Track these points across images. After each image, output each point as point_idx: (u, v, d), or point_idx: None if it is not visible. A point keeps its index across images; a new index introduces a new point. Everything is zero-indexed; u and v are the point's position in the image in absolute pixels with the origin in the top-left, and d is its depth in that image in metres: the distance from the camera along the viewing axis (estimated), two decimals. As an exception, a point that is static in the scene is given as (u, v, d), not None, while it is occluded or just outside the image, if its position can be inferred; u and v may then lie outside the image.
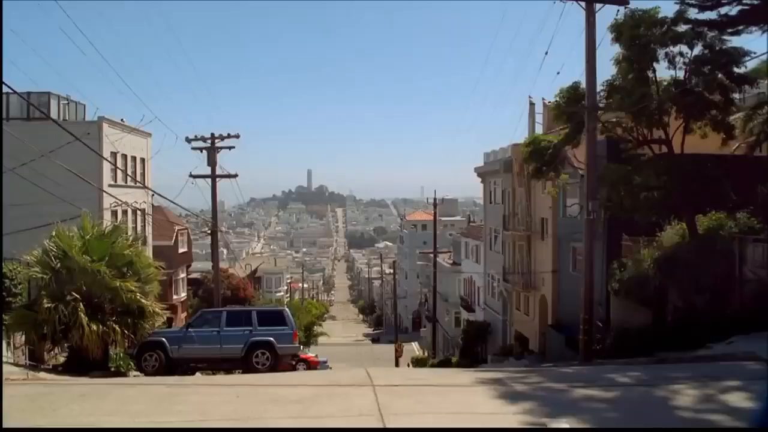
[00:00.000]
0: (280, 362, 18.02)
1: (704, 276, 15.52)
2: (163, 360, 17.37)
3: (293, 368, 21.08)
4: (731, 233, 16.40)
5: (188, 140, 27.46)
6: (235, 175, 28.27)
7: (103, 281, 14.64)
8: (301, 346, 29.86)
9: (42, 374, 13.84)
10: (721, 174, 16.42)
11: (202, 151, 27.53)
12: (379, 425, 7.68)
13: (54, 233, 15.06)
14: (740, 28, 16.44)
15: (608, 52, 17.70)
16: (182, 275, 42.73)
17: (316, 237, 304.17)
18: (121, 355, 16.58)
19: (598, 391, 9.93)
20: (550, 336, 28.29)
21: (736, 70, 16.82)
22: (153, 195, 31.80)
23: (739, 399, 8.88)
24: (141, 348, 17.03)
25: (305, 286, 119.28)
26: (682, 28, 16.73)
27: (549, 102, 23.94)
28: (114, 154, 30.38)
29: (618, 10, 16.92)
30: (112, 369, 15.71)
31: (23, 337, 14.87)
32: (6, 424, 7.47)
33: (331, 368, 31.63)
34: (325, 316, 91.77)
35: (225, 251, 60.51)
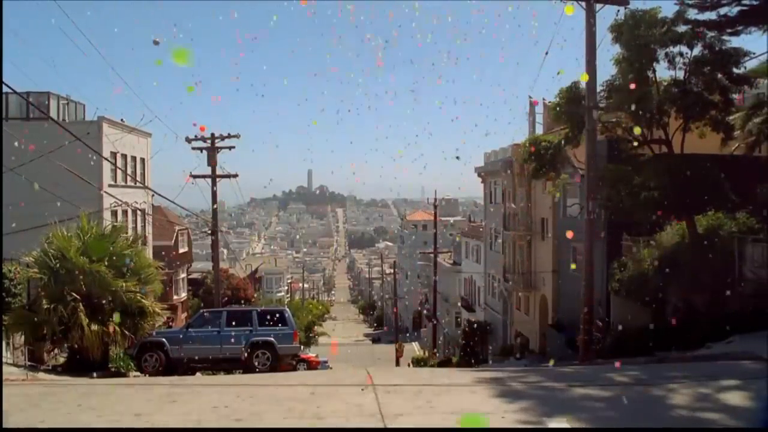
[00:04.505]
0: (281, 362, 18.03)
1: (704, 276, 15.53)
2: (163, 360, 17.38)
3: (294, 368, 21.09)
4: (731, 233, 16.41)
5: (188, 140, 27.46)
6: (236, 175, 28.27)
7: (102, 281, 14.64)
8: (302, 347, 29.88)
9: (41, 375, 13.85)
10: (720, 174, 16.43)
11: (202, 151, 27.53)
12: (380, 425, 7.68)
13: (50, 234, 15.05)
14: (740, 28, 16.47)
15: (608, 52, 17.72)
16: (182, 275, 42.76)
17: (317, 237, 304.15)
18: (121, 355, 16.58)
19: (596, 390, 9.93)
20: (551, 336, 28.31)
21: (735, 70, 16.85)
22: (153, 195, 31.83)
23: (737, 398, 8.89)
24: (141, 348, 17.04)
25: (306, 286, 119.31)
26: (682, 28, 16.75)
27: (549, 102, 23.94)
28: (114, 154, 30.40)
29: (618, 11, 16.97)
30: (112, 369, 15.72)
31: (23, 337, 14.87)
32: (6, 425, 7.48)
33: (331, 368, 31.64)
34: (326, 316, 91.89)
35: (225, 251, 60.54)
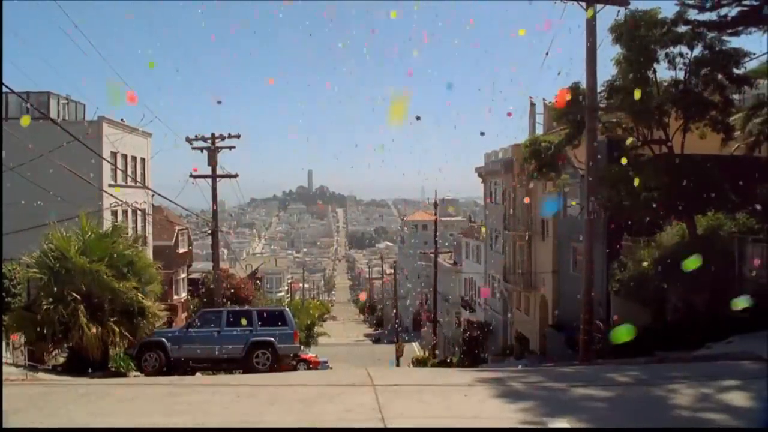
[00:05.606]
0: (281, 362, 18.03)
1: (704, 276, 15.51)
2: (163, 360, 17.38)
3: (294, 368, 21.09)
4: (731, 233, 16.40)
5: (189, 140, 27.46)
6: (236, 175, 28.26)
7: (102, 282, 14.63)
8: (302, 347, 29.85)
9: (41, 374, 13.85)
10: (720, 174, 16.43)
11: (202, 151, 27.53)
12: (380, 425, 7.68)
13: (50, 234, 15.04)
14: (740, 29, 16.47)
15: (609, 52, 17.71)
16: (182, 275, 42.70)
17: (317, 237, 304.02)
18: (121, 355, 16.58)
19: (597, 390, 9.93)
20: (551, 336, 28.30)
21: (735, 70, 16.85)
22: (153, 195, 31.81)
23: (737, 398, 8.89)
24: (141, 348, 17.03)
25: (306, 286, 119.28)
26: (682, 29, 16.76)
27: (549, 102, 23.95)
28: (114, 154, 30.37)
29: (618, 11, 16.94)
30: (112, 369, 15.72)
31: (23, 337, 14.87)
32: (6, 425, 7.48)
33: (331, 368, 31.64)
34: (326, 316, 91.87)
35: (225, 251, 60.44)
